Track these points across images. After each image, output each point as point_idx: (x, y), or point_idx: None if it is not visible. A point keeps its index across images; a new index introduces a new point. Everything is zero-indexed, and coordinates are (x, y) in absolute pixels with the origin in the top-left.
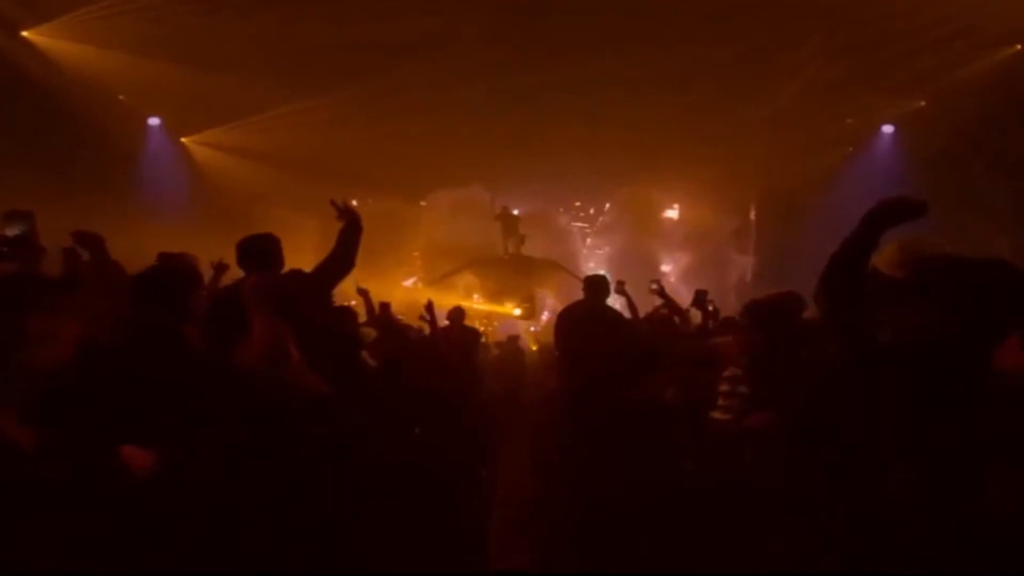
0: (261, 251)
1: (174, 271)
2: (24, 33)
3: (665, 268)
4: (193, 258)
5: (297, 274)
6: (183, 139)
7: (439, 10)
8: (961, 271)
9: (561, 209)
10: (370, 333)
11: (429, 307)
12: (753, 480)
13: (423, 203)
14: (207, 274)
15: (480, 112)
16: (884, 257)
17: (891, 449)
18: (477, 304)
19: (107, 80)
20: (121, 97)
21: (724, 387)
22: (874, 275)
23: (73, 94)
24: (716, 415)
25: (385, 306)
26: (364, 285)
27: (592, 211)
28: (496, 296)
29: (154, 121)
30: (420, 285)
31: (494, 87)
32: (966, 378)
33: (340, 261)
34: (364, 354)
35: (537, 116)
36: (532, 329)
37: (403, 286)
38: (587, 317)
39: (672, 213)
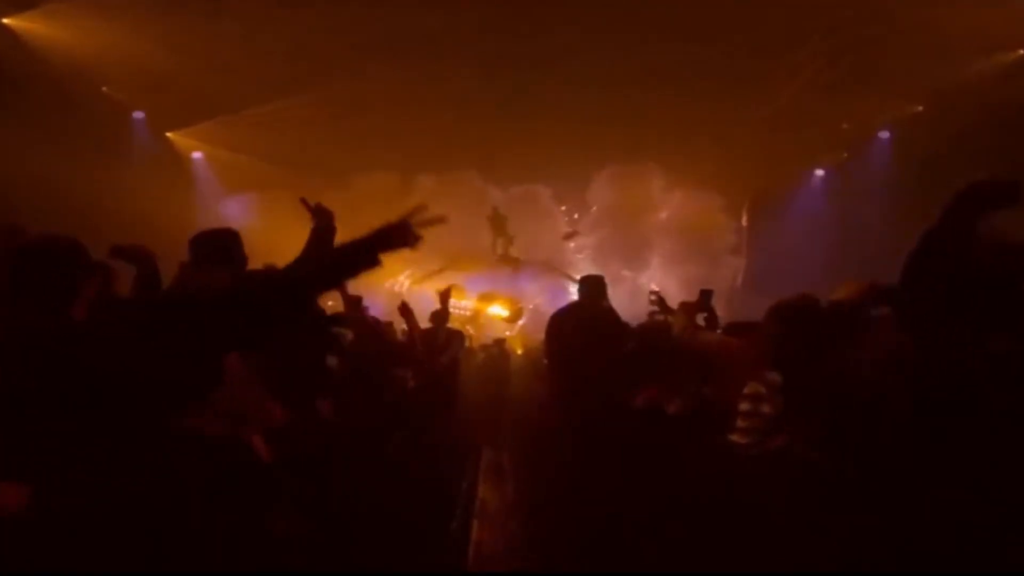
0: (219, 247)
1: (45, 252)
2: (5, 20)
3: (653, 274)
4: (145, 249)
5: None
6: (168, 134)
7: (434, 5)
8: None
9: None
10: (346, 335)
11: (404, 309)
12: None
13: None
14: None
15: (474, 110)
16: None
17: None
18: (463, 305)
19: (91, 71)
20: (104, 89)
21: (744, 406)
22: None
23: (57, 84)
24: (734, 438)
25: (357, 300)
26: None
27: (576, 216)
28: (485, 297)
29: (139, 115)
30: (410, 284)
31: (488, 83)
32: None
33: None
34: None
35: (530, 114)
36: (507, 333)
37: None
38: (585, 319)
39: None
